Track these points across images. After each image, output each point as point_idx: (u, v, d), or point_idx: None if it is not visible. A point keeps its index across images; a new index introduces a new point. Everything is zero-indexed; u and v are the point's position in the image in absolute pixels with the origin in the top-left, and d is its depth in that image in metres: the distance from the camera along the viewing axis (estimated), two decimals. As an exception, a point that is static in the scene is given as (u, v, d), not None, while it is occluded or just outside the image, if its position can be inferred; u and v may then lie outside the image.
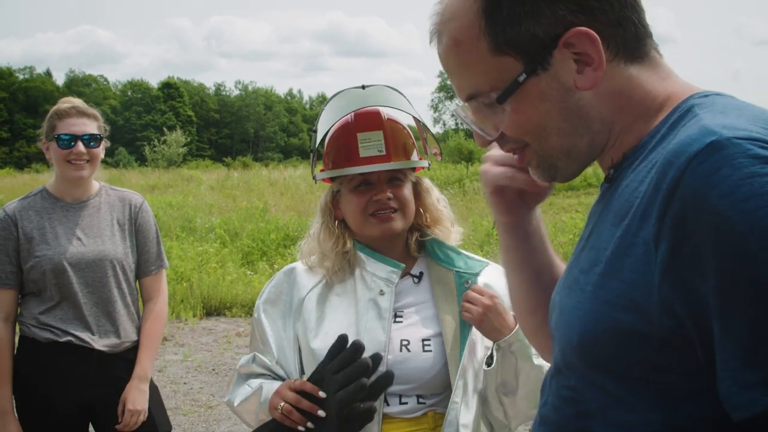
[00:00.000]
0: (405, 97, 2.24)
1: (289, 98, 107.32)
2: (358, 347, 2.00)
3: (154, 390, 3.27)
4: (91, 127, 3.13)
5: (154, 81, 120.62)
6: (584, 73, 1.05)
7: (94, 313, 3.10)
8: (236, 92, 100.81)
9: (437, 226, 2.24)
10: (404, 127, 2.24)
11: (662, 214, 0.90)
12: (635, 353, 0.95)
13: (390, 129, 2.17)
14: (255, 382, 2.17)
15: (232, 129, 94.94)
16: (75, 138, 3.07)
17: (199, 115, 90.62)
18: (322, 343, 2.08)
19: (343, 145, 2.17)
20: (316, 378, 2.02)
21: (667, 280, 0.90)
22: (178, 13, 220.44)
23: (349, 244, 2.19)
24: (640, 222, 0.95)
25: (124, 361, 3.17)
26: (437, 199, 2.26)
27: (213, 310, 9.91)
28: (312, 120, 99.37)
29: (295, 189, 26.00)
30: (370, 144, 2.14)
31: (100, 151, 3.17)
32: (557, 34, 1.04)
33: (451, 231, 2.25)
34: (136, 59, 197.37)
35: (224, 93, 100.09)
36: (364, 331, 2.07)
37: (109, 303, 3.13)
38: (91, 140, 3.11)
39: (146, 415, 3.13)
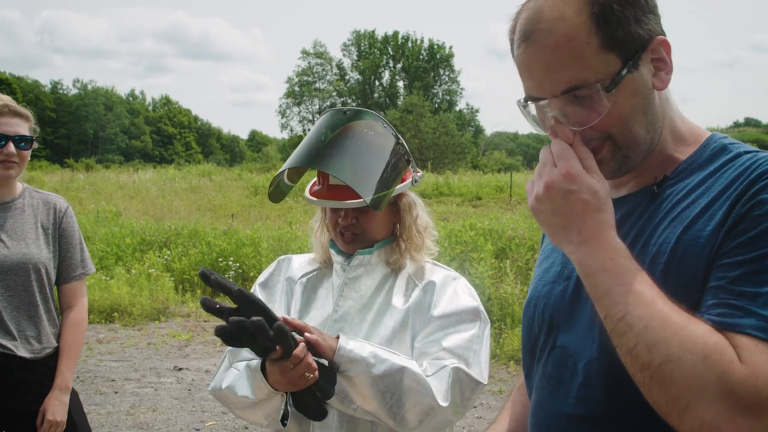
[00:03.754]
0: (387, 123, 2.19)
1: (131, 99, 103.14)
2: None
3: (74, 395, 3.21)
4: (24, 128, 3.07)
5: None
6: (659, 76, 1.30)
7: (15, 318, 3.01)
8: (74, 91, 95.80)
9: (407, 244, 2.27)
10: None
11: (740, 195, 1.19)
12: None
13: None
14: (242, 364, 2.18)
15: (70, 129, 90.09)
16: (6, 138, 2.99)
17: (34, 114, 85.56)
18: None
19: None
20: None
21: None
22: (5, 4, 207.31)
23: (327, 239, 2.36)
24: (712, 214, 1.22)
25: (45, 367, 3.09)
26: (416, 217, 2.27)
27: (70, 317, 9.47)
28: (155, 122, 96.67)
29: (146, 193, 25.21)
30: None
31: (29, 153, 3.10)
32: (648, 39, 1.27)
33: (415, 257, 2.26)
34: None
35: (61, 91, 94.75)
36: (341, 319, 2.21)
37: (31, 307, 3.05)
38: (21, 141, 3.04)
39: (64, 427, 3.07)
